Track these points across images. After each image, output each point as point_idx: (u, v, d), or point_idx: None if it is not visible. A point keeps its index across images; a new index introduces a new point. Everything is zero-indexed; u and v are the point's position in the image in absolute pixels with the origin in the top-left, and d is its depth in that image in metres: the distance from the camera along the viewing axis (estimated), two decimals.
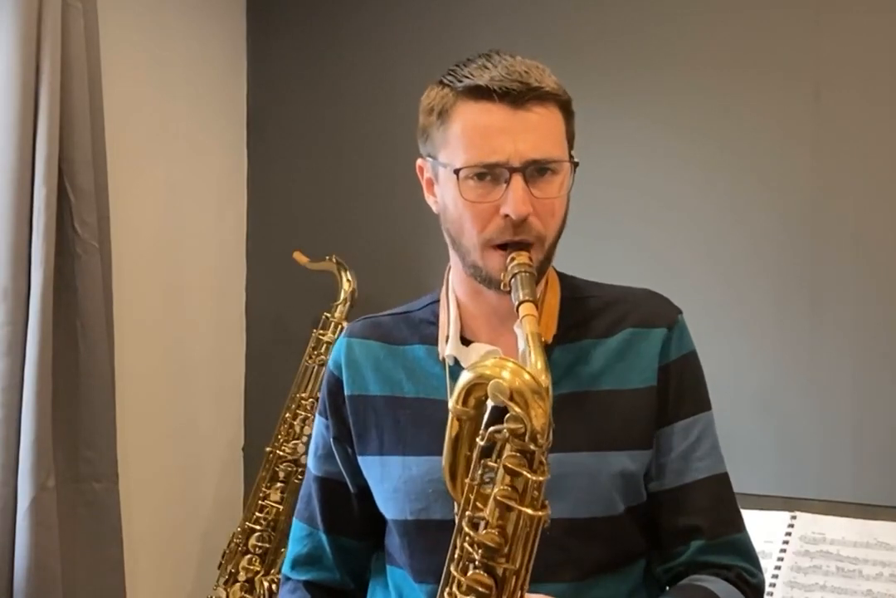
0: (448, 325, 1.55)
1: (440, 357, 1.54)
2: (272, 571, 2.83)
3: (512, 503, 1.28)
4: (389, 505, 1.55)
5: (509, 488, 1.28)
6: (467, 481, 1.32)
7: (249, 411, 3.28)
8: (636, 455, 1.50)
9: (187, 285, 3.13)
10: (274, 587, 2.80)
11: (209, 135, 3.20)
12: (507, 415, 1.29)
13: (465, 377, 1.32)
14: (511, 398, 1.27)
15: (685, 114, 2.73)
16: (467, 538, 1.30)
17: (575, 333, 1.54)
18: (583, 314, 1.56)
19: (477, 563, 1.29)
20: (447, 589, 1.32)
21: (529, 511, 1.28)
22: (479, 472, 1.31)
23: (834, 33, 2.58)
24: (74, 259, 2.56)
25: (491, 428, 1.30)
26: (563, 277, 1.60)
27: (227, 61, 3.26)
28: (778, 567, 2.26)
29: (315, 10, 3.20)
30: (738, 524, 1.55)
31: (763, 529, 2.30)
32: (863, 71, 2.55)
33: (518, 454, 1.28)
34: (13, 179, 2.44)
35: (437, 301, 1.60)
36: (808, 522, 2.31)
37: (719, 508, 1.53)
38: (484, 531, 1.29)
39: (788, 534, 2.31)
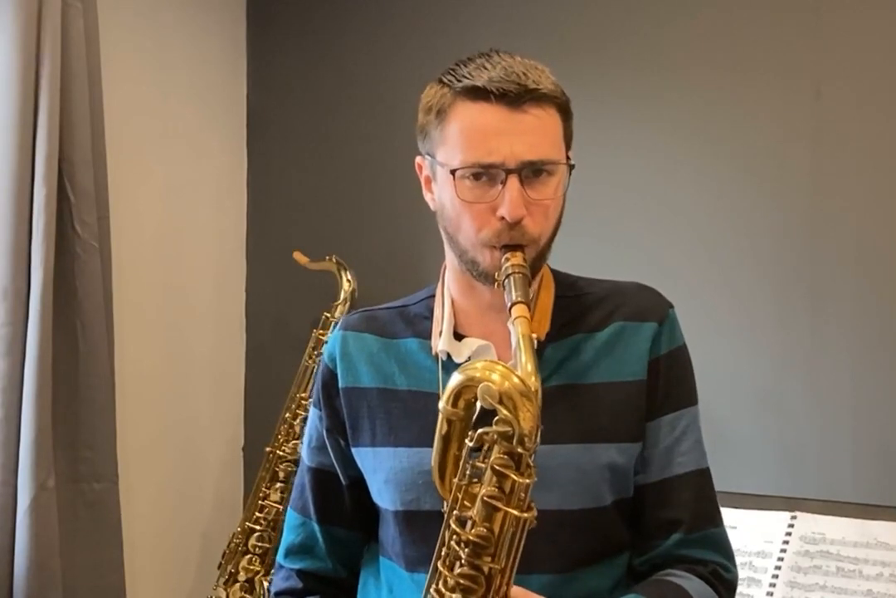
0: (442, 320, 1.56)
1: (433, 352, 1.55)
2: (272, 571, 2.82)
3: (498, 504, 1.30)
4: (382, 496, 1.56)
5: (496, 490, 1.30)
6: (455, 480, 1.34)
7: (249, 411, 3.28)
8: (624, 448, 1.51)
9: (187, 285, 3.13)
10: None
11: (209, 135, 3.20)
12: (496, 418, 1.30)
13: (455, 379, 1.34)
14: (500, 401, 1.29)
15: (684, 114, 2.73)
16: (454, 536, 1.32)
17: (567, 329, 1.55)
18: (576, 311, 1.57)
19: (463, 561, 1.31)
20: (433, 585, 1.34)
21: (515, 513, 1.30)
22: (468, 472, 1.33)
23: (834, 33, 2.58)
24: (74, 259, 2.56)
25: (479, 430, 1.32)
26: (556, 274, 1.61)
27: (227, 61, 3.26)
28: (778, 567, 2.26)
29: (315, 10, 3.20)
30: (717, 520, 1.56)
31: (763, 529, 2.30)
32: (863, 71, 2.55)
33: (506, 457, 1.30)
34: (13, 178, 2.44)
35: (433, 296, 1.61)
36: (808, 522, 2.31)
37: (700, 502, 1.54)
38: (471, 530, 1.31)
39: (788, 534, 2.31)
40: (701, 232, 2.71)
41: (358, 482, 1.61)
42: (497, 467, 1.30)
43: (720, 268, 2.69)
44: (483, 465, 1.32)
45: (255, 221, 3.29)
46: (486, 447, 1.32)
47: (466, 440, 1.33)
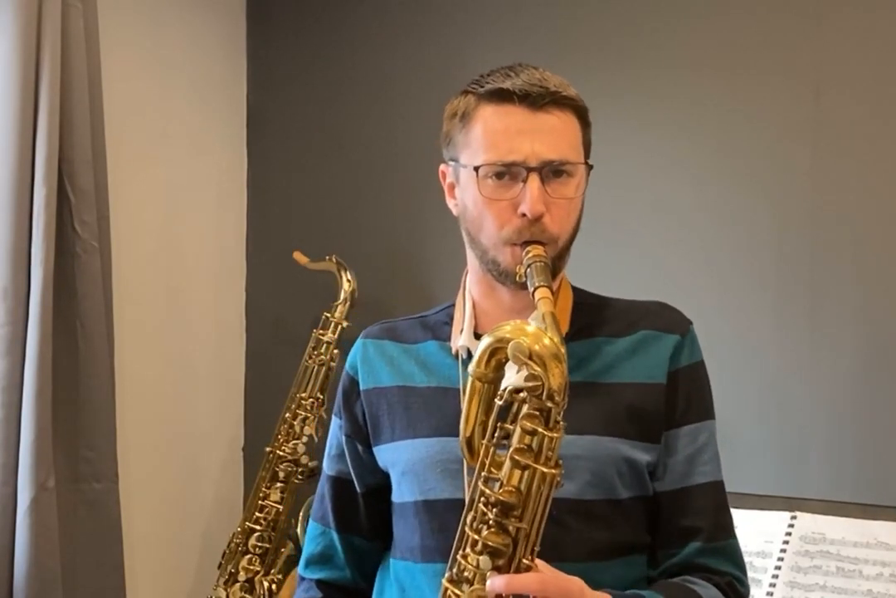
0: (463, 320, 1.60)
1: (453, 351, 1.59)
2: (272, 571, 2.83)
3: (527, 461, 1.31)
4: (402, 489, 1.59)
5: (525, 447, 1.31)
6: (484, 441, 1.35)
7: (249, 411, 3.28)
8: (639, 446, 1.53)
9: (187, 285, 3.13)
10: (274, 587, 2.80)
11: (209, 135, 3.20)
12: (526, 373, 1.31)
13: (486, 340, 1.36)
14: (530, 358, 1.30)
15: (685, 114, 2.73)
16: (482, 498, 1.33)
17: (587, 331, 1.59)
18: (595, 318, 1.61)
19: (491, 522, 1.32)
20: (461, 551, 1.34)
21: (543, 469, 1.31)
22: (497, 433, 1.34)
23: (834, 33, 2.58)
24: (74, 259, 2.56)
25: (510, 387, 1.34)
26: (575, 288, 1.65)
27: (227, 61, 3.26)
28: (778, 567, 2.26)
29: (315, 10, 3.21)
30: (733, 532, 1.59)
31: (763, 529, 2.30)
32: (863, 71, 2.55)
33: (536, 412, 1.31)
34: (13, 179, 2.44)
35: (453, 305, 1.66)
36: (808, 522, 2.31)
37: (718, 513, 1.57)
38: (499, 491, 1.32)
39: (788, 534, 2.31)
40: (700, 232, 2.71)
41: (374, 491, 1.64)
42: (526, 423, 1.31)
43: (719, 268, 2.69)
44: (511, 427, 1.33)
45: (255, 221, 3.29)
46: (514, 408, 1.33)
47: (496, 400, 1.35)
